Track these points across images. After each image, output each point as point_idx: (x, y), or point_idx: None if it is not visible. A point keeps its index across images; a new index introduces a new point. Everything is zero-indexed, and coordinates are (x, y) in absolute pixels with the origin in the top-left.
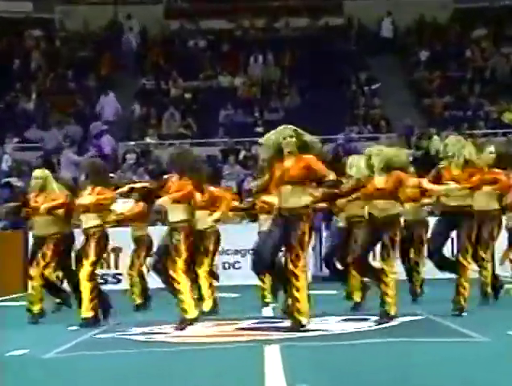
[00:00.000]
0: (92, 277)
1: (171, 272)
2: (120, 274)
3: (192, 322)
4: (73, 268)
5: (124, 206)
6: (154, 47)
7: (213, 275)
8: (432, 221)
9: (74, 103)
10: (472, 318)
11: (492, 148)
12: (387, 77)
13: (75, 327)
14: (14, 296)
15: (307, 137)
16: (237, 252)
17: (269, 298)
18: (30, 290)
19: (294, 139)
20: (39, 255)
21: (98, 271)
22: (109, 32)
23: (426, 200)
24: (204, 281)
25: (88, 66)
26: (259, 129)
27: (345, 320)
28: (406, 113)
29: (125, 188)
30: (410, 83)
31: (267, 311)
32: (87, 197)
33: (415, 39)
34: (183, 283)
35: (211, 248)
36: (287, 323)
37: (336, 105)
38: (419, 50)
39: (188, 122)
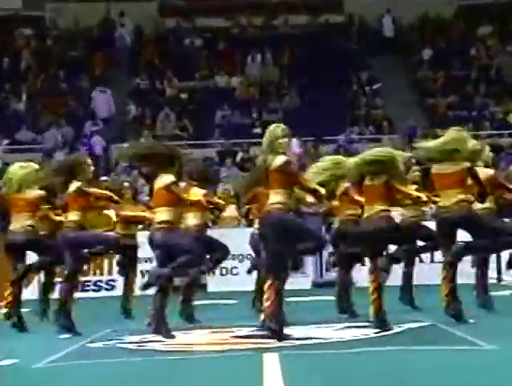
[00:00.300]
0: None
1: None
2: (113, 280)
3: None
4: None
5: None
6: (148, 45)
7: None
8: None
9: (66, 104)
10: (479, 326)
11: (488, 149)
12: (389, 76)
13: (66, 335)
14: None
15: None
16: (234, 257)
17: None
18: None
19: (286, 139)
20: None
21: (91, 278)
22: (101, 30)
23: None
24: None
25: (81, 65)
26: (257, 131)
27: (347, 327)
28: (409, 114)
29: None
30: (412, 82)
31: None
32: None
33: (418, 36)
34: None
35: None
36: (289, 331)
37: (337, 105)
38: (422, 48)
39: (184, 123)
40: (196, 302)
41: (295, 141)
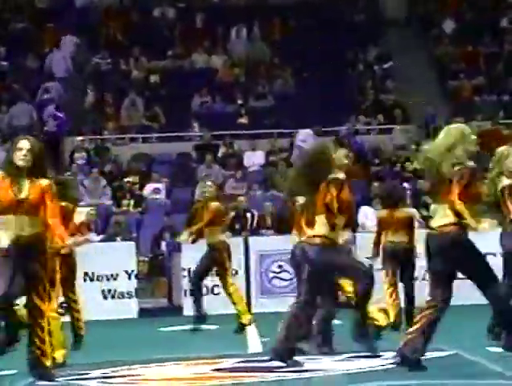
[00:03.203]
0: None
1: None
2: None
3: None
4: None
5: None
6: (110, 17)
7: None
8: None
9: (8, 87)
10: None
11: None
12: (403, 54)
13: (6, 372)
14: None
15: None
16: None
17: None
18: None
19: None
20: None
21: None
22: None
23: None
24: None
25: (26, 40)
26: (243, 120)
27: (354, 357)
28: (427, 99)
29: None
30: (431, 60)
31: (254, 347)
32: None
33: (438, 4)
34: None
35: None
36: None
37: (339, 89)
38: (443, 19)
39: (154, 112)
40: (170, 328)
41: (307, 132)
